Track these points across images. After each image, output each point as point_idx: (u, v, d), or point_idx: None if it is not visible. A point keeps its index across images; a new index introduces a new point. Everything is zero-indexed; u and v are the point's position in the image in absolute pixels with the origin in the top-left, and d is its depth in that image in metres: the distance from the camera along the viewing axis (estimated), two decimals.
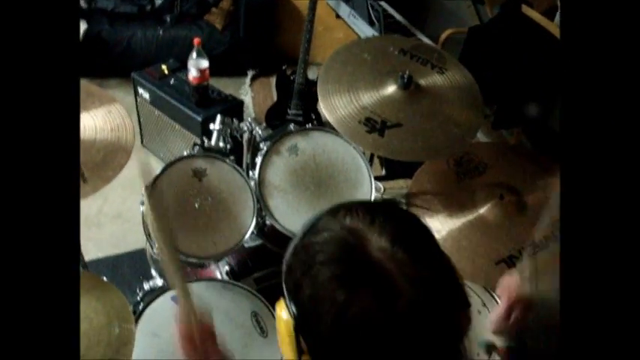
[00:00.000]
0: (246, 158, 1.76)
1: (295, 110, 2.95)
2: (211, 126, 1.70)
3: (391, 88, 1.61)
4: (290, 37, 3.62)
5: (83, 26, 3.05)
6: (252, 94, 3.34)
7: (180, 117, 2.60)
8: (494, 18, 3.09)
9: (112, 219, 2.66)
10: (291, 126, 1.67)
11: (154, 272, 2.03)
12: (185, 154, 1.57)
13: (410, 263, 0.66)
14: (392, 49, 1.75)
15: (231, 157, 1.60)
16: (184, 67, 2.70)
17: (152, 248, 1.93)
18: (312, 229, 0.74)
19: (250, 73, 3.50)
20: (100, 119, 1.42)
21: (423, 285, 0.65)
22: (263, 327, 1.50)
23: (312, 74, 2.93)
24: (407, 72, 1.58)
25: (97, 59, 3.14)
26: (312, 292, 0.68)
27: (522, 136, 2.91)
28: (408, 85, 1.59)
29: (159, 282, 1.96)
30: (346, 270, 0.67)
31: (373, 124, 1.56)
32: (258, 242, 1.76)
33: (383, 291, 0.64)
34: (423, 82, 1.64)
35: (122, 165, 1.35)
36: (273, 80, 3.55)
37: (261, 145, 1.65)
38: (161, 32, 3.25)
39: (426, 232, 0.73)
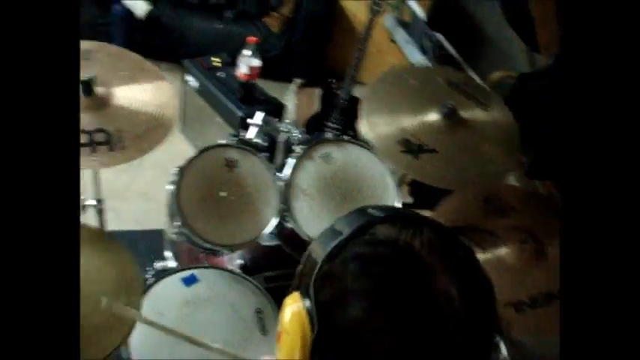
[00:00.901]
0: (277, 158, 1.79)
1: (334, 124, 2.97)
2: (250, 120, 1.73)
3: (433, 116, 1.62)
4: (341, 52, 3.66)
5: (148, 6, 3.13)
6: (296, 102, 3.37)
7: (222, 109, 2.65)
8: (546, 68, 3.08)
9: (137, 196, 2.71)
10: (329, 134, 1.69)
11: (167, 254, 2.07)
12: (220, 142, 1.60)
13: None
14: (440, 79, 1.76)
15: (265, 154, 1.63)
16: (234, 64, 2.76)
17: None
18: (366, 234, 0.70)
19: (297, 82, 3.54)
20: (149, 94, 1.46)
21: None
22: (265, 325, 1.51)
23: (357, 92, 2.96)
24: (451, 102, 1.60)
25: (153, 40, 3.22)
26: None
27: (553, 188, 2.88)
28: (450, 116, 1.60)
29: (171, 264, 1.99)
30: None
31: (409, 146, 1.57)
32: (274, 243, 1.78)
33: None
34: (465, 114, 1.65)
35: (159, 141, 1.38)
36: (317, 91, 3.59)
37: (296, 148, 1.67)
38: (219, 26, 3.32)
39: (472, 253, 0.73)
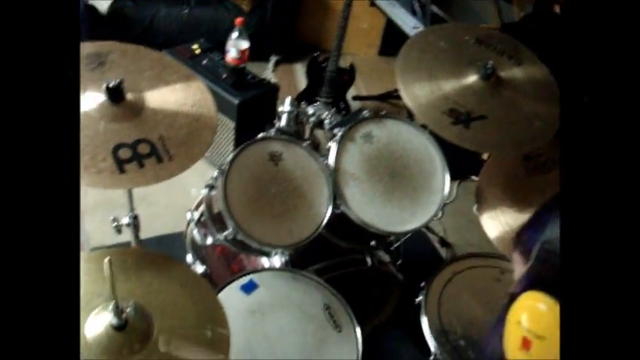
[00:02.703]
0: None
1: (325, 98, 2.87)
2: (280, 108, 1.62)
3: (472, 78, 1.55)
4: (314, 23, 3.54)
5: (108, 1, 2.92)
6: (276, 80, 3.24)
7: (216, 100, 2.50)
8: (526, 16, 3.06)
9: (136, 202, 2.54)
10: (365, 112, 1.60)
11: (189, 258, 1.95)
12: (261, 135, 1.49)
13: None
14: (468, 37, 1.69)
15: (307, 142, 1.52)
16: (216, 48, 2.60)
17: (196, 236, 1.85)
18: None
19: (274, 59, 3.41)
20: (180, 93, 1.33)
21: None
22: (336, 320, 1.43)
23: (342, 63, 2.87)
24: (491, 62, 1.53)
25: (120, 35, 2.99)
26: None
27: None
28: (490, 76, 1.54)
29: (199, 269, 1.87)
30: None
31: (458, 116, 1.50)
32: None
33: None
34: (502, 73, 1.58)
35: (208, 143, 1.26)
36: (296, 67, 3.47)
37: (335, 131, 1.57)
38: (186, 11, 3.13)
39: None
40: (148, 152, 1.20)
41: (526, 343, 0.69)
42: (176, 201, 2.49)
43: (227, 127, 2.47)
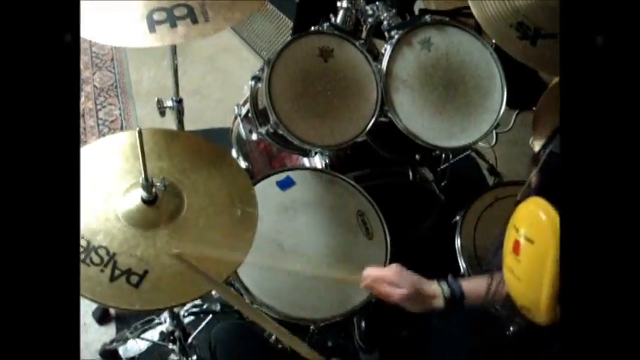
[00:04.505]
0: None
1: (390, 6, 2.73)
2: (338, 3, 1.53)
3: None
4: None
5: None
6: None
7: None
8: None
9: (189, 94, 2.54)
10: (427, 17, 1.50)
11: (233, 153, 1.95)
12: (313, 29, 1.42)
13: None
14: None
15: (361, 41, 1.45)
16: None
17: (242, 131, 1.84)
18: None
19: None
20: None
21: None
22: (369, 228, 1.41)
23: None
24: None
25: None
26: None
27: None
28: None
29: (242, 164, 1.88)
30: None
31: (525, 30, 1.39)
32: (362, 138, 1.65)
33: None
34: None
35: (251, 9, 1.21)
36: None
37: (392, 34, 1.48)
38: None
39: None
40: (184, 14, 1.16)
41: (516, 246, 0.66)
42: (228, 96, 2.48)
43: (285, 26, 2.40)
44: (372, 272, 1.13)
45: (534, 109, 1.64)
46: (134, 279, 0.96)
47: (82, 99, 2.43)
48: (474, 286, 1.07)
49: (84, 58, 2.60)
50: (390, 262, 1.36)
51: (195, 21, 1.17)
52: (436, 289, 1.07)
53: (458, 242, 1.49)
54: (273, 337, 1.24)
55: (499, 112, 1.50)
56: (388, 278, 1.09)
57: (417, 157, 1.64)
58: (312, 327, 1.24)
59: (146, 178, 1.02)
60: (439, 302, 1.06)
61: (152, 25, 1.14)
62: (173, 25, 1.15)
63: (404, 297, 1.06)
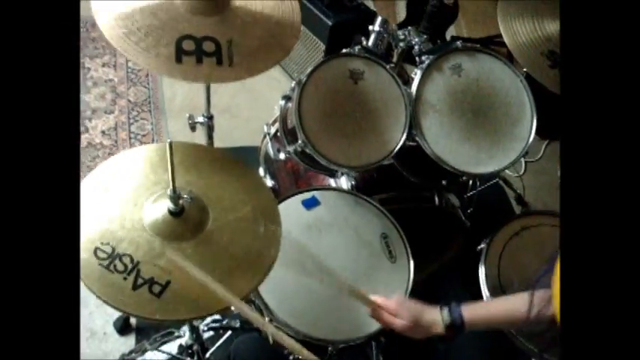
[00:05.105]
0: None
1: (423, 33, 2.74)
2: (370, 27, 1.55)
3: None
4: None
5: None
6: (375, 9, 3.14)
7: (307, 19, 2.45)
8: None
9: (219, 112, 2.58)
10: (458, 43, 1.50)
11: (261, 171, 1.96)
12: (344, 51, 1.44)
13: None
14: None
15: (391, 65, 1.46)
16: None
17: (270, 150, 1.86)
18: None
19: None
20: (270, 4, 1.28)
21: None
22: (392, 251, 1.40)
23: None
24: None
25: None
26: None
27: None
28: None
29: (268, 183, 1.89)
30: None
31: (557, 59, 1.38)
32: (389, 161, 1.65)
33: None
34: None
35: (275, 60, 1.22)
36: (397, 2, 3.33)
37: (423, 58, 1.49)
38: None
39: None
40: (211, 52, 1.17)
41: None
42: (258, 115, 2.51)
43: (317, 49, 2.43)
44: (377, 300, 1.17)
45: None
46: (156, 288, 0.97)
47: (116, 112, 2.49)
48: (480, 312, 1.12)
49: (120, 73, 2.67)
50: (412, 287, 1.36)
51: (220, 62, 1.16)
52: (436, 317, 1.11)
53: (482, 271, 1.47)
54: (293, 356, 1.23)
55: (528, 140, 1.49)
56: (390, 309, 1.14)
57: (444, 182, 1.63)
58: (330, 348, 1.23)
59: (174, 190, 1.03)
60: (439, 329, 1.11)
61: (180, 54, 1.14)
62: (199, 61, 1.15)
63: (404, 327, 1.11)
